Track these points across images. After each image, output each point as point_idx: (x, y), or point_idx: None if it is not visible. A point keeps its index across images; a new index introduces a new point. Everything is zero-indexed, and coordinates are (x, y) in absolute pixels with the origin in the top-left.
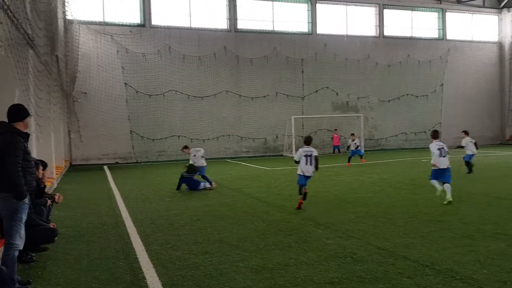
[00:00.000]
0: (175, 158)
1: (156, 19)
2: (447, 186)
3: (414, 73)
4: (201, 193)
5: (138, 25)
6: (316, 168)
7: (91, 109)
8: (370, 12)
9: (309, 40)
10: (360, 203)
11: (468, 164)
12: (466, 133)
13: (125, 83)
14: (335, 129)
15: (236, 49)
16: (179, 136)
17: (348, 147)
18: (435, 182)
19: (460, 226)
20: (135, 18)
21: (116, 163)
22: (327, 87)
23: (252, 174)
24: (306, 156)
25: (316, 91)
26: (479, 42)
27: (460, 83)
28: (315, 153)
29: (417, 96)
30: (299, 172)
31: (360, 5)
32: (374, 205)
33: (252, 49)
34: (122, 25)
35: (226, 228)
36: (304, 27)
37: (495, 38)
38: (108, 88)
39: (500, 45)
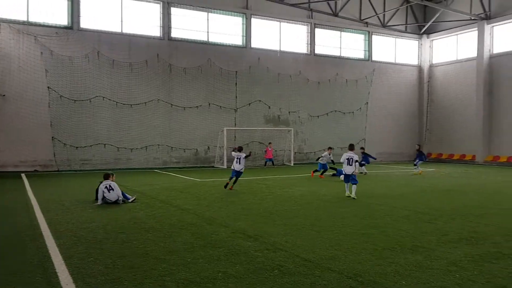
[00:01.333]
0: (100, 167)
1: (85, 22)
2: (353, 187)
3: (342, 91)
4: (127, 204)
5: (65, 27)
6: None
7: (10, 113)
8: (302, 30)
9: (244, 53)
10: (289, 216)
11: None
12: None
13: (48, 87)
14: (270, 143)
15: (169, 58)
16: (105, 145)
17: (318, 158)
18: (346, 186)
19: (382, 239)
20: (62, 19)
21: (35, 171)
22: (260, 100)
23: (182, 185)
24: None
25: (249, 103)
26: (401, 64)
27: (383, 102)
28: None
29: (344, 113)
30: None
31: (293, 23)
32: (302, 217)
33: (186, 59)
34: (48, 26)
35: (152, 241)
36: (238, 40)
37: (415, 62)
38: (29, 91)
39: (419, 69)
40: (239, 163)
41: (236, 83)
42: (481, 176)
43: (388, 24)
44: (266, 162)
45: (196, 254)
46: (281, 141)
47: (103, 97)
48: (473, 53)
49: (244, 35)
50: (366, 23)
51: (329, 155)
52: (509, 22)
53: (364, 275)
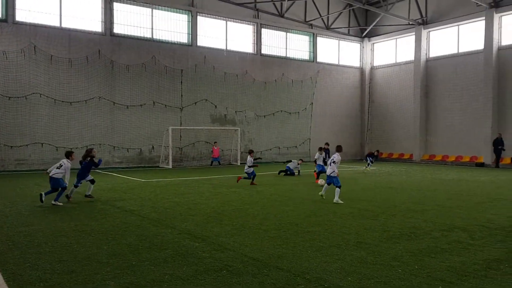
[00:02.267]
0: (37, 167)
1: (21, 15)
2: (336, 190)
3: (288, 91)
4: (67, 206)
5: None
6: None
7: None
8: (248, 29)
9: (189, 51)
10: (236, 216)
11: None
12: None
13: None
14: (215, 142)
15: (112, 54)
16: (42, 144)
17: (315, 161)
18: (325, 186)
19: (327, 236)
20: None
21: None
22: (206, 100)
23: (125, 186)
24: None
25: (195, 102)
26: (344, 66)
27: (327, 102)
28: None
29: (290, 113)
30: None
31: (240, 22)
32: (250, 217)
33: (129, 56)
34: None
35: (95, 244)
36: (184, 38)
37: (357, 64)
38: None
39: (361, 70)
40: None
41: (181, 82)
42: (418, 174)
43: (332, 26)
44: (212, 162)
45: (141, 257)
46: (228, 140)
47: (41, 94)
48: (411, 57)
49: (190, 33)
50: (311, 25)
51: (321, 154)
52: (444, 28)
53: (311, 272)
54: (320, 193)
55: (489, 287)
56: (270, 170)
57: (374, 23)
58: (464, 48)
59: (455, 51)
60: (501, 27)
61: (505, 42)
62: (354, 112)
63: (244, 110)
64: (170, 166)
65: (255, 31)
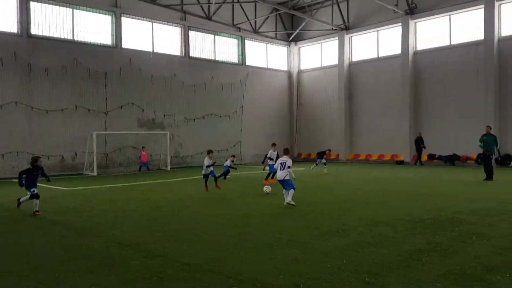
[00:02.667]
0: None
1: None
2: (290, 192)
3: (218, 94)
4: None
5: None
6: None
7: None
8: (176, 31)
9: (114, 54)
10: (166, 221)
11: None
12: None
13: None
14: (143, 147)
15: (29, 56)
16: None
17: (269, 158)
18: (284, 193)
19: (261, 236)
20: None
21: None
22: (133, 103)
23: (46, 196)
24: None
25: (121, 106)
26: (273, 69)
27: (257, 105)
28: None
29: (220, 116)
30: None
31: (166, 24)
32: (181, 221)
33: (48, 58)
34: None
35: (14, 258)
36: (107, 40)
37: (285, 67)
38: None
39: (289, 74)
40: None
41: (105, 85)
42: (345, 173)
43: (260, 30)
44: (140, 167)
45: (66, 268)
46: (157, 145)
47: None
48: (335, 61)
49: (114, 34)
50: (239, 28)
51: (274, 151)
52: (365, 33)
53: (244, 273)
54: (288, 202)
55: (411, 276)
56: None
57: (300, 28)
58: (383, 53)
59: (375, 56)
60: (416, 33)
61: (419, 47)
62: (283, 114)
63: (173, 113)
64: (95, 173)
65: (183, 34)
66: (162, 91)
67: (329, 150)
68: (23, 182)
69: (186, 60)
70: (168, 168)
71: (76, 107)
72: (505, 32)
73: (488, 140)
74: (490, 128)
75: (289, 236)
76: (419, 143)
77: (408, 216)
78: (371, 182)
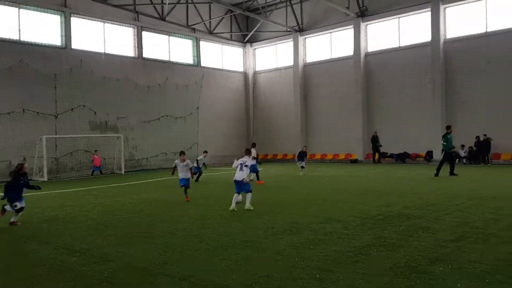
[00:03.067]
0: None
1: None
2: (247, 195)
3: (173, 95)
4: None
5: None
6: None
7: None
8: (128, 32)
9: (63, 55)
10: (119, 225)
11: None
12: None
13: None
14: (96, 150)
15: None
16: None
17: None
18: (234, 198)
19: (214, 238)
20: None
21: None
22: (84, 106)
23: None
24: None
25: (72, 109)
26: (228, 71)
27: (213, 106)
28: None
29: (176, 118)
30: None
31: (118, 24)
32: (134, 225)
33: None
34: None
35: None
36: (57, 40)
37: (241, 68)
38: None
39: (245, 75)
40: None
41: (55, 87)
42: (300, 172)
43: (215, 31)
44: (93, 171)
45: (12, 276)
46: (110, 148)
47: None
48: (290, 62)
49: (64, 35)
50: (194, 29)
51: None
52: (318, 35)
53: (197, 275)
54: (231, 208)
55: (359, 270)
56: (158, 176)
57: (255, 29)
58: (336, 54)
59: (329, 57)
60: (367, 35)
61: (371, 48)
62: (240, 115)
63: (126, 116)
64: (45, 179)
65: (136, 34)
66: (115, 93)
67: (305, 147)
68: (6, 194)
69: (140, 61)
70: (123, 172)
71: (23, 110)
72: (450, 34)
73: (451, 139)
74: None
75: (243, 236)
76: (375, 142)
77: (360, 213)
78: (326, 181)
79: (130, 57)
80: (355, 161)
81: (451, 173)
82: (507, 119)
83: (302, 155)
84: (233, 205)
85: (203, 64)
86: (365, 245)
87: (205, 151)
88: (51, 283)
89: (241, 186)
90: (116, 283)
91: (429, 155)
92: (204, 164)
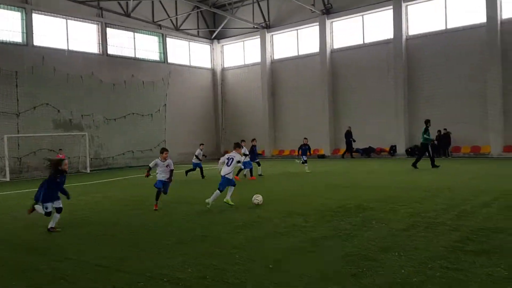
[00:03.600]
0: None
1: None
2: (230, 189)
3: (139, 93)
4: None
5: None
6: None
7: None
8: (92, 29)
9: (25, 52)
10: (82, 224)
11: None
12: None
13: None
14: (60, 149)
15: None
16: None
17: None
18: (214, 194)
19: (175, 234)
20: None
21: None
22: (47, 104)
23: None
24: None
25: (35, 107)
26: (196, 67)
27: (181, 103)
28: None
29: (143, 115)
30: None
31: (82, 21)
32: (97, 224)
33: None
34: None
35: None
36: (17, 37)
37: (209, 65)
38: None
39: (213, 71)
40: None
41: (16, 85)
42: (269, 168)
43: (181, 27)
44: None
45: None
46: (75, 147)
47: None
48: (258, 58)
49: (25, 31)
50: (160, 25)
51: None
52: (285, 32)
53: (153, 270)
54: (207, 200)
55: (312, 260)
56: (124, 175)
57: (222, 26)
58: (303, 51)
59: (296, 54)
60: (332, 32)
61: (336, 45)
62: (209, 112)
63: (91, 113)
64: (8, 179)
65: (100, 31)
66: (79, 90)
67: (306, 139)
68: (42, 193)
69: (105, 58)
70: (88, 171)
71: None
72: (412, 32)
73: (429, 132)
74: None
75: (203, 231)
76: (348, 137)
77: (321, 206)
78: (292, 176)
79: (94, 54)
80: (322, 156)
81: (433, 165)
82: (465, 113)
83: (305, 149)
84: (210, 200)
85: (170, 60)
86: (321, 237)
87: (201, 144)
88: (8, 283)
89: (228, 182)
90: (73, 280)
91: (393, 150)
92: (204, 155)
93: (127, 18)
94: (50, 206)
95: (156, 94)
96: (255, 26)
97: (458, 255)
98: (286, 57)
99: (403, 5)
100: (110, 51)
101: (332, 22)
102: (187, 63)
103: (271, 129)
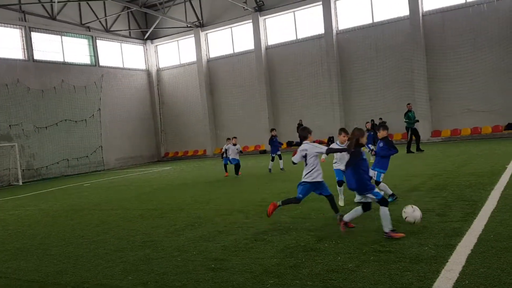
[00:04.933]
0: None
1: None
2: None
3: (71, 98)
4: None
5: None
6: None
7: None
8: (15, 34)
9: None
10: (12, 240)
11: None
12: None
13: None
14: None
15: None
16: None
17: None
18: None
19: (113, 242)
20: None
21: None
22: None
23: None
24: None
25: None
26: (130, 69)
27: (116, 107)
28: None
29: (76, 121)
30: None
31: (2, 26)
32: (29, 238)
33: None
34: None
35: None
36: None
37: (143, 66)
38: None
39: (148, 73)
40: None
41: None
42: (210, 167)
43: (112, 29)
44: None
45: None
46: (4, 159)
47: None
48: (194, 58)
49: None
50: (89, 27)
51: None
52: (219, 30)
53: (91, 280)
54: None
55: (253, 256)
56: (59, 185)
57: (153, 26)
58: (239, 49)
59: (232, 51)
60: (266, 29)
61: (271, 42)
62: (146, 114)
63: (20, 123)
64: None
65: (24, 35)
66: (4, 99)
67: (274, 130)
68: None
69: (31, 63)
70: (20, 183)
71: None
72: (341, 26)
73: (412, 116)
74: (411, 105)
75: (144, 237)
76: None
77: (263, 201)
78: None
79: (19, 60)
80: (263, 152)
81: (418, 149)
82: (395, 103)
83: (275, 142)
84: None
85: (102, 63)
86: (261, 232)
87: (229, 138)
88: None
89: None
90: None
91: (331, 141)
92: (239, 150)
93: (53, 21)
94: None
95: (89, 98)
96: (189, 25)
97: (390, 238)
98: (222, 55)
99: (332, 0)
100: (37, 56)
101: (265, 19)
102: (120, 65)
103: (211, 128)
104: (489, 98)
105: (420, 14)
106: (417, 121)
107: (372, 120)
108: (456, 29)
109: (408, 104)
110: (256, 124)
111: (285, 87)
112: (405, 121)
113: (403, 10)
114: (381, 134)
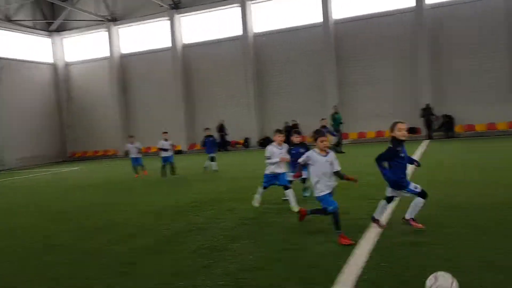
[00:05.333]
0: None
1: None
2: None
3: None
4: None
5: None
6: None
7: None
8: None
9: None
10: None
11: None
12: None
13: None
14: None
15: None
16: None
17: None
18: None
19: (15, 247)
20: None
21: None
22: None
23: None
24: None
25: None
26: (34, 62)
27: (17, 102)
28: None
29: None
30: None
31: None
32: None
33: None
34: None
35: None
36: None
37: (50, 60)
38: None
39: (55, 67)
40: None
41: None
42: (120, 169)
43: (14, 18)
44: None
45: None
46: None
47: None
48: (106, 53)
49: None
50: None
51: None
52: (134, 25)
53: None
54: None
55: (165, 258)
56: None
57: (61, 17)
58: (155, 46)
59: (147, 48)
60: (182, 27)
61: (188, 40)
62: (51, 110)
63: None
64: None
65: None
66: None
67: (208, 129)
68: None
69: None
70: None
71: None
72: (259, 29)
73: (339, 118)
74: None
75: (50, 241)
76: (221, 131)
77: (175, 202)
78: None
79: None
80: (179, 152)
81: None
82: (308, 105)
83: (212, 141)
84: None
85: (1, 55)
86: (175, 233)
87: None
88: None
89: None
90: None
91: (247, 142)
92: (172, 144)
93: None
94: None
95: None
96: (100, 19)
97: (300, 236)
98: (137, 51)
99: (248, 3)
100: None
101: (181, 17)
102: (22, 58)
103: (125, 126)
104: (394, 104)
105: (332, 22)
106: (342, 123)
107: (286, 122)
108: (364, 39)
109: (334, 106)
110: (171, 123)
111: (203, 87)
112: (332, 124)
113: (317, 17)
114: (297, 139)
